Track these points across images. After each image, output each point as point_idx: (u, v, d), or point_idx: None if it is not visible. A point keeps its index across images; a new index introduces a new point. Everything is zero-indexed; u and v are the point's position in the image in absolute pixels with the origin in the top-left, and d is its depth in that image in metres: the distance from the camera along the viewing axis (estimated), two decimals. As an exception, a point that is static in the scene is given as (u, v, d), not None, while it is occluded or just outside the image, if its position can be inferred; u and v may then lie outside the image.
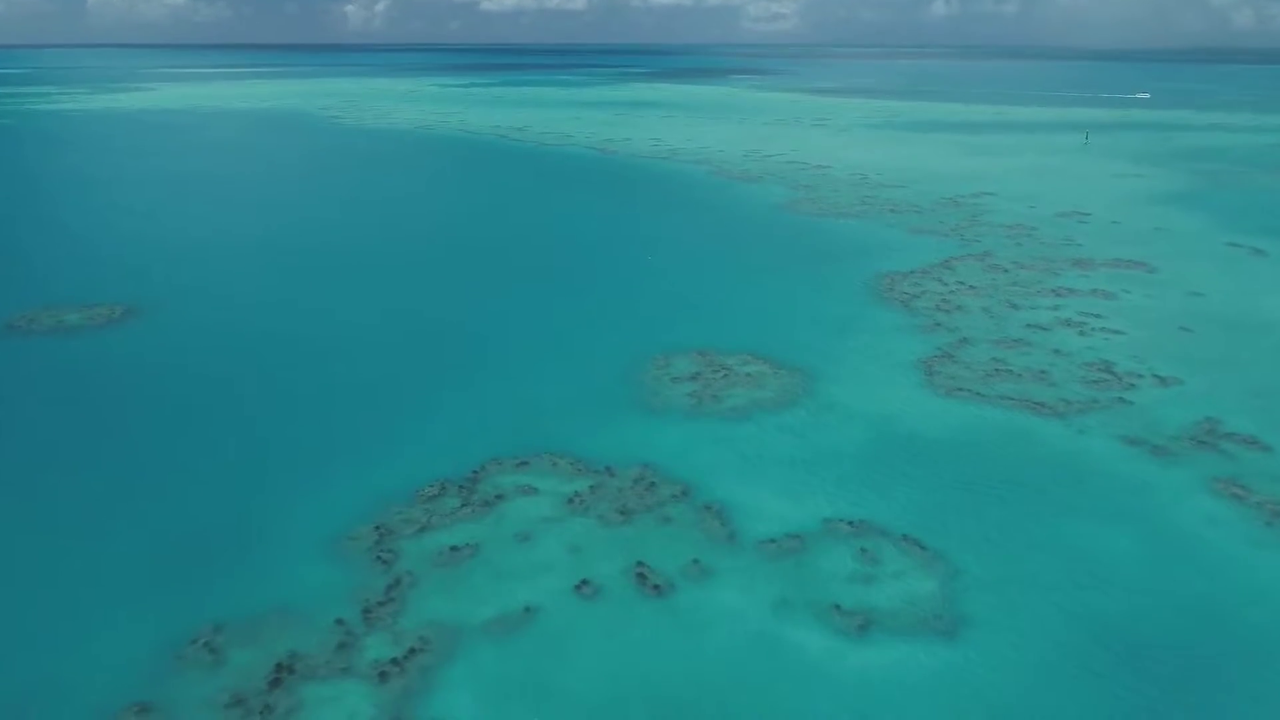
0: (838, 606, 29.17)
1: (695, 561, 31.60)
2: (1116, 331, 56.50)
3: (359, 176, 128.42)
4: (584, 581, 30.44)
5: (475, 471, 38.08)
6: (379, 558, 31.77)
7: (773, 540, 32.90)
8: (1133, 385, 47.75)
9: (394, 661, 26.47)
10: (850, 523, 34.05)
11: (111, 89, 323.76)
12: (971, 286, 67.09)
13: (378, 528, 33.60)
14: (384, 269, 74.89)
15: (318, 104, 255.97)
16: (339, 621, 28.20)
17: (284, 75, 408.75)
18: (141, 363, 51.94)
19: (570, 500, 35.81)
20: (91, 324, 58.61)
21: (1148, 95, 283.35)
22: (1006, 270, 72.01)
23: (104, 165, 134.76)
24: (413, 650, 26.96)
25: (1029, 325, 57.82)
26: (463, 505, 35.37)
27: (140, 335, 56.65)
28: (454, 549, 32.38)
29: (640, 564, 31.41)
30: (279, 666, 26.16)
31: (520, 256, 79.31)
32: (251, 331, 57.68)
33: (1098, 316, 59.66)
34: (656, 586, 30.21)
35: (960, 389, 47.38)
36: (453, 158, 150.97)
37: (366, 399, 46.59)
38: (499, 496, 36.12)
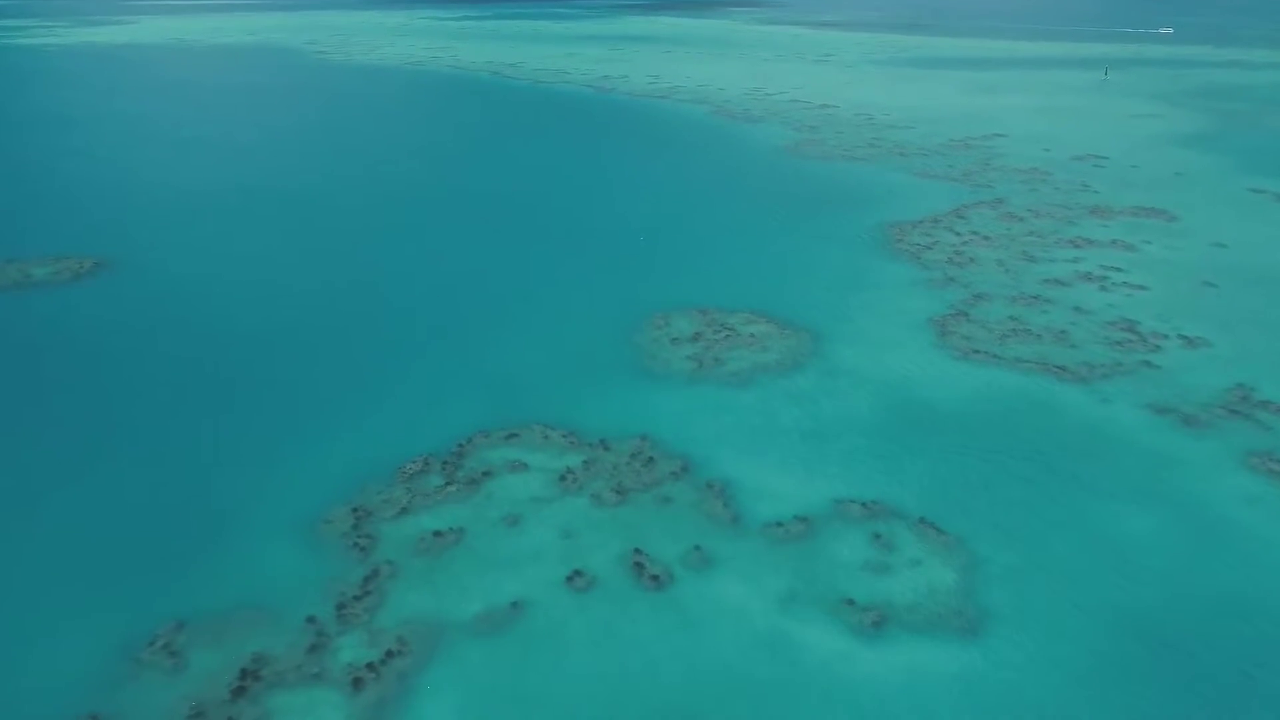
0: (850, 601, 27.05)
1: (696, 548, 29.40)
2: (1139, 287, 53.63)
3: (344, 118, 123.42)
4: (577, 572, 28.26)
5: (461, 445, 35.66)
6: (356, 544, 29.54)
7: (779, 524, 30.66)
8: (1158, 347, 45.13)
9: (369, 666, 24.37)
10: (863, 504, 31.77)
11: (91, 22, 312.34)
12: (985, 237, 63.92)
13: (355, 510, 31.30)
14: (366, 220, 71.40)
15: (304, 38, 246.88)
16: (310, 620, 26.06)
17: (270, 8, 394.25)
18: (107, 323, 49.03)
19: (563, 477, 33.47)
20: (59, 279, 55.57)
21: (1170, 30, 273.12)
22: (1021, 219, 68.70)
23: (77, 106, 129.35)
24: (390, 653, 24.87)
25: (1047, 280, 54.91)
26: (447, 484, 33.03)
27: (108, 292, 53.65)
28: (437, 534, 30.14)
29: (638, 551, 29.21)
30: (244, 673, 24.07)
31: (511, 206, 75.74)
32: (224, 290, 54.62)
33: (1119, 270, 56.70)
34: (655, 577, 28.05)
35: (976, 351, 44.76)
36: (443, 97, 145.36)
37: (345, 364, 43.94)
38: (486, 473, 33.76)
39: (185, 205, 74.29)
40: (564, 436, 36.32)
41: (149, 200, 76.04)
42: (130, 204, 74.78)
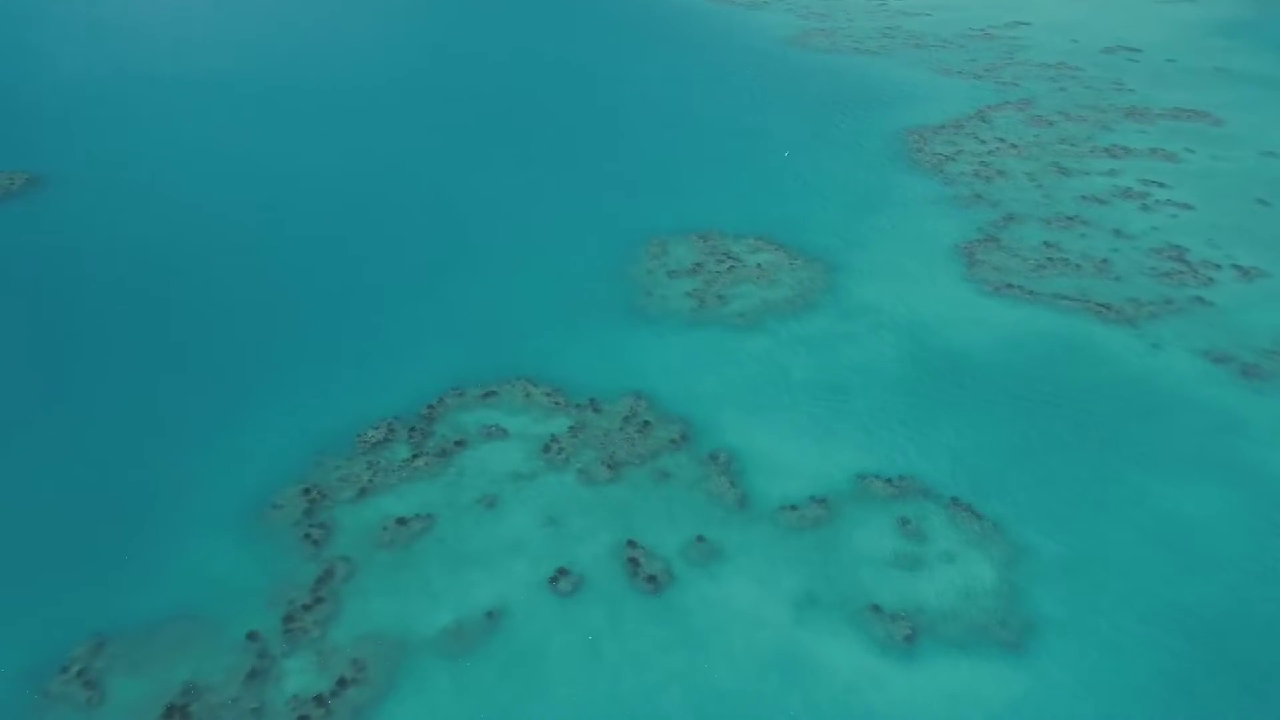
0: (876, 607, 23.48)
1: (699, 539, 25.64)
2: (1184, 205, 48.47)
3: (294, 9, 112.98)
4: (562, 571, 24.54)
5: (430, 406, 31.36)
6: (307, 535, 25.65)
7: (793, 507, 26.82)
8: (1210, 279, 40.54)
9: (318, 700, 20.86)
10: (888, 480, 27.89)
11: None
12: (1013, 145, 58.04)
13: (308, 491, 27.27)
14: (320, 134, 64.58)
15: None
16: (252, 636, 22.39)
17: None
18: (37, 250, 43.59)
19: (546, 448, 29.38)
20: (-14, 199, 49.70)
21: None
22: (1052, 123, 62.54)
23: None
24: (343, 681, 21.32)
25: (1083, 197, 49.63)
26: (414, 456, 28.94)
27: (41, 213, 47.90)
28: (401, 521, 26.25)
29: (631, 544, 25.43)
30: (170, 709, 20.54)
31: (484, 114, 68.77)
32: (166, 215, 48.71)
33: (1161, 185, 51.33)
34: (651, 578, 24.35)
35: (1009, 285, 40.11)
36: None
37: (299, 308, 38.87)
38: (459, 442, 29.63)
39: (129, 110, 67.16)
40: (548, 395, 32.02)
41: (89, 104, 68.73)
42: (68, 109, 67.55)
